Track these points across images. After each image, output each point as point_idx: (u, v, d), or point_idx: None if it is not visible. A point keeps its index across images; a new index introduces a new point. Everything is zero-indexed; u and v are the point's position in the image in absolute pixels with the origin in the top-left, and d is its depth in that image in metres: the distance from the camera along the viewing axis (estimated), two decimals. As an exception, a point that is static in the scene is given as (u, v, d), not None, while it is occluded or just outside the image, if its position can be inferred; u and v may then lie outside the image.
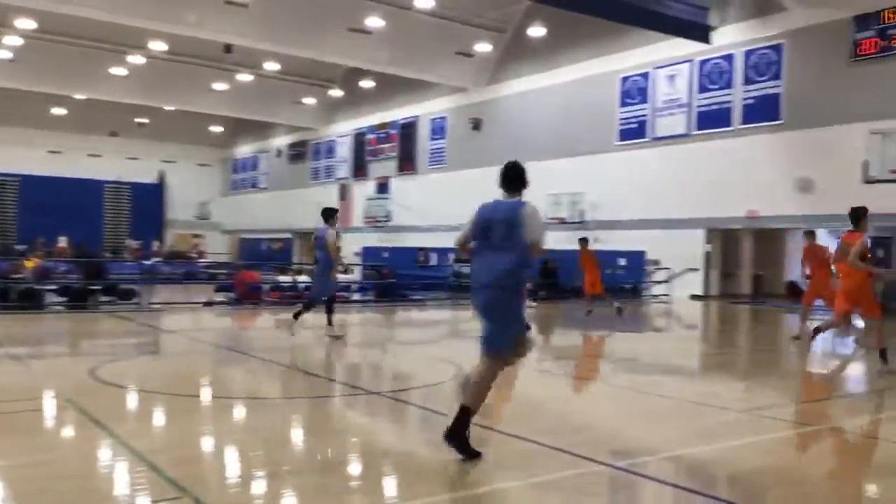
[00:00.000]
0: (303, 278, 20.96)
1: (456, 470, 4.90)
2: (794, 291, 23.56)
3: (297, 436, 6.08)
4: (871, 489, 4.96)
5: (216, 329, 14.06)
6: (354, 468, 5.15)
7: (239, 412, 6.87)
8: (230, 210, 47.83)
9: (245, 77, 35.13)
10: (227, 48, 30.32)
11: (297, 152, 43.39)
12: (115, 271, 21.55)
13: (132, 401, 7.21)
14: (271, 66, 33.83)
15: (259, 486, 4.64)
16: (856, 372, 10.96)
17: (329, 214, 11.55)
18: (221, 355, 10.59)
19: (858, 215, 9.58)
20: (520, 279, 5.26)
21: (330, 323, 11.51)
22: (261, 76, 35.36)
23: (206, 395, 7.72)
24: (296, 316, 11.53)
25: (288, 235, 43.08)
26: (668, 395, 7.84)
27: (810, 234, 13.15)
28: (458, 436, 4.96)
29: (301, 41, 27.10)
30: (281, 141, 44.83)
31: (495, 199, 5.57)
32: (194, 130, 45.40)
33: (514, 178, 5.61)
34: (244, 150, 49.00)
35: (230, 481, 4.76)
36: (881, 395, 8.66)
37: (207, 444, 5.66)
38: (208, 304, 17.67)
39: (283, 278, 20.46)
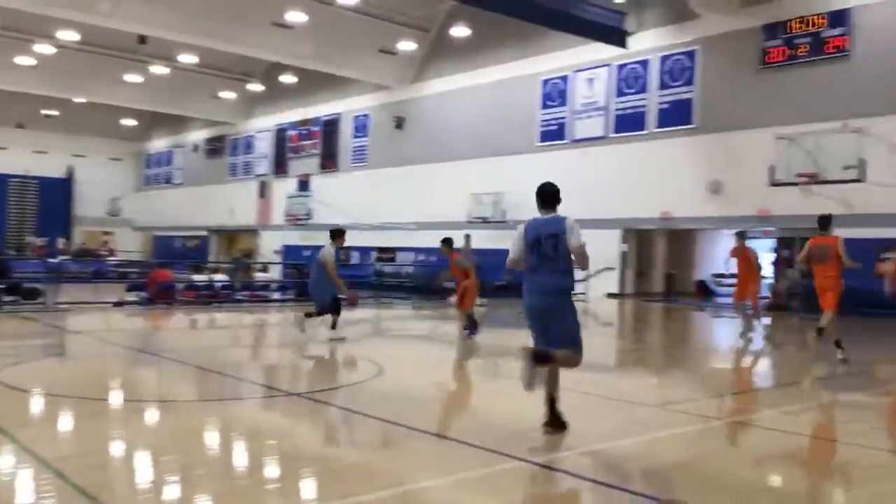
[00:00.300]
0: (219, 277, 20.48)
1: (375, 470, 4.87)
2: (703, 290, 24.49)
3: (211, 439, 5.91)
4: (776, 479, 5.17)
5: (127, 330, 13.56)
6: (272, 471, 5.04)
7: (150, 415, 6.63)
8: (143, 206, 46.29)
9: (160, 69, 34.05)
10: (142, 39, 29.31)
11: (215, 147, 42.35)
12: (19, 269, 20.53)
13: (37, 405, 6.87)
14: (188, 58, 32.85)
15: (172, 492, 4.49)
16: (765, 366, 11.43)
17: (335, 235, 12.18)
18: (132, 357, 10.22)
19: (828, 221, 10.69)
20: (573, 283, 6.05)
21: (333, 326, 11.76)
22: (177, 69, 34.33)
23: (115, 398, 7.42)
24: (308, 315, 11.88)
25: (204, 233, 42.03)
26: (585, 392, 7.98)
27: (741, 235, 13.71)
28: (556, 419, 5.85)
29: (220, 34, 26.44)
30: (197, 135, 43.65)
31: (535, 218, 6.26)
32: (106, 124, 43.72)
33: (550, 196, 6.41)
34: (158, 144, 47.51)
35: (141, 487, 4.58)
36: (788, 388, 9.06)
37: (117, 449, 5.45)
38: (119, 304, 17.05)
39: (198, 277, 19.90)
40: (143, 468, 5.01)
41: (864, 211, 17.81)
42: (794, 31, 20.06)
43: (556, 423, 5.84)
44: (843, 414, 7.45)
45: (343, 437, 6.11)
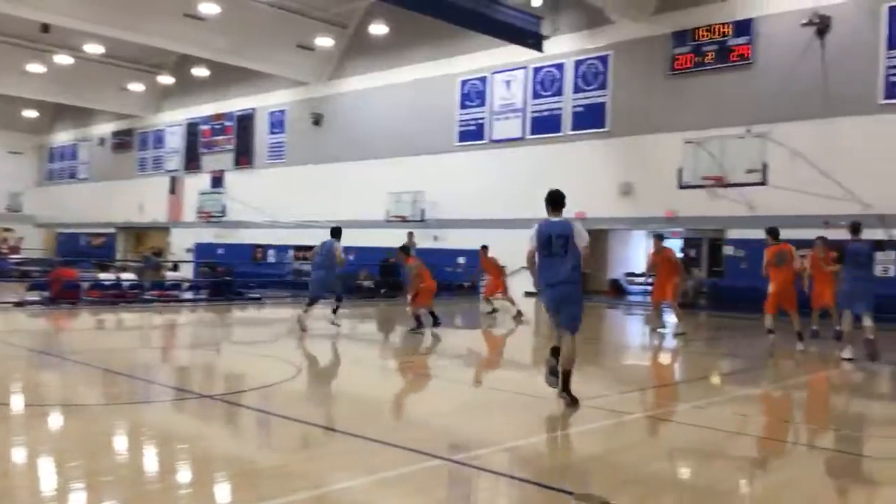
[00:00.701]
0: (127, 276, 19.77)
1: (292, 472, 4.80)
2: (616, 289, 25.15)
3: (119, 444, 5.70)
4: (686, 472, 5.37)
5: (28, 331, 12.91)
6: (183, 476, 4.90)
7: (54, 420, 6.34)
8: (46, 202, 44.20)
9: (64, 59, 32.58)
10: (45, 28, 27.98)
11: (122, 141, 40.84)
12: None
13: (-74, 412, 6.47)
14: (94, 48, 31.56)
15: (78, 499, 4.31)
16: (676, 362, 11.84)
17: (336, 233, 14.25)
18: (34, 359, 9.74)
19: (778, 231, 12.43)
20: (580, 276, 7.19)
21: (335, 311, 13.73)
22: (82, 59, 32.94)
23: (16, 402, 7.07)
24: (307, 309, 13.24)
25: (111, 230, 40.52)
26: (503, 389, 8.08)
27: (660, 238, 14.53)
28: (568, 391, 6.90)
29: (128, 23, 25.48)
30: (104, 129, 41.98)
31: (546, 220, 7.45)
32: (5, 115, 41.55)
33: (558, 201, 7.59)
34: (62, 137, 45.47)
35: (45, 495, 4.38)
36: (697, 383, 9.41)
37: (19, 455, 5.19)
38: (19, 304, 16.24)
39: (104, 276, 19.16)
40: (48, 475, 4.79)
41: (766, 213, 18.67)
42: (701, 39, 20.85)
43: (572, 399, 6.91)
44: (749, 408, 7.78)
45: (258, 439, 5.99)
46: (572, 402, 6.84)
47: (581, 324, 7.16)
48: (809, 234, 18.53)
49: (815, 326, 13.53)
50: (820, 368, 11.02)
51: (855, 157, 17.79)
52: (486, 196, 24.51)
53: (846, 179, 17.46)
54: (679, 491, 4.81)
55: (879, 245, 13.52)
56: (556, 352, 7.12)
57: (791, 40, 18.89)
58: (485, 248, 18.32)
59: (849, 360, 10.57)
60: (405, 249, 14.92)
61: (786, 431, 6.71)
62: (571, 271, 7.09)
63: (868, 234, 15.70)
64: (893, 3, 17.76)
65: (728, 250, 20.20)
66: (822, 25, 18.42)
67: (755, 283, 18.25)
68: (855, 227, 11.54)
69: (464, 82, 26.08)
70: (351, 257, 28.03)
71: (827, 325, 13.36)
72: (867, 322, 10.47)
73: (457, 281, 24.96)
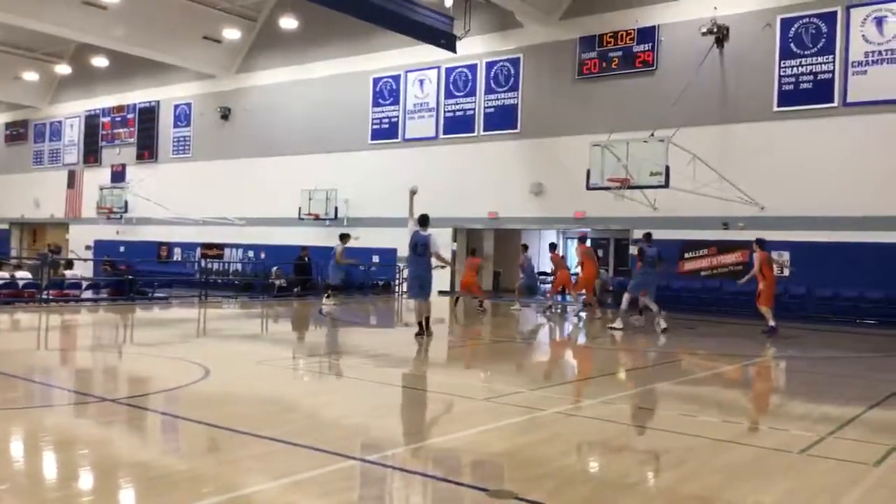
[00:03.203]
0: (22, 274, 18.79)
1: (200, 477, 4.69)
2: (528, 288, 25.53)
3: (16, 450, 5.43)
4: (595, 465, 5.53)
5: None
6: (86, 482, 4.71)
7: (-59, 428, 5.98)
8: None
9: (-49, 44, 30.72)
10: (-71, 10, 26.25)
11: (16, 133, 38.81)
12: None
13: None
14: (-15, 34, 29.90)
15: (-32, 512, 4.08)
16: (586, 358, 12.15)
17: (344, 237, 19.73)
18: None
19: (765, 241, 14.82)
20: (430, 267, 12.43)
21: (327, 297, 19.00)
22: (-29, 45, 31.13)
23: None
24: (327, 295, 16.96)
25: (5, 226, 38.44)
26: (417, 388, 8.11)
27: (583, 239, 16.77)
28: (426, 329, 12.01)
29: (22, 9, 24.24)
30: (-4, 119, 39.80)
31: (416, 231, 12.13)
32: None
33: (425, 221, 12.28)
34: (-51, 127, 42.79)
35: (-70, 509, 4.12)
36: (606, 378, 9.69)
37: None
38: None
39: (-3, 274, 18.16)
40: (-67, 488, 4.51)
41: (668, 214, 19.41)
42: (607, 45, 21.47)
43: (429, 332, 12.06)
44: (654, 402, 8.08)
45: (164, 443, 5.82)
46: (429, 334, 11.93)
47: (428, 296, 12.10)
48: (710, 235, 19.47)
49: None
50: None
51: (751, 161, 18.71)
52: (400, 195, 24.42)
53: (743, 183, 18.34)
54: (590, 484, 4.95)
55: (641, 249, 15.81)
56: (421, 325, 11.95)
57: (692, 48, 19.68)
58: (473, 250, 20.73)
59: (617, 329, 14.33)
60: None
61: (692, 425, 7.00)
62: (427, 265, 12.25)
63: (764, 234, 16.62)
64: (787, 16, 18.77)
65: (633, 250, 20.88)
66: (720, 35, 19.27)
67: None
68: (647, 236, 15.32)
69: (377, 80, 25.99)
70: (262, 255, 27.56)
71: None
72: (653, 305, 14.72)
73: (372, 279, 24.91)
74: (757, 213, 18.61)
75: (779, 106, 18.81)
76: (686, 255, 19.95)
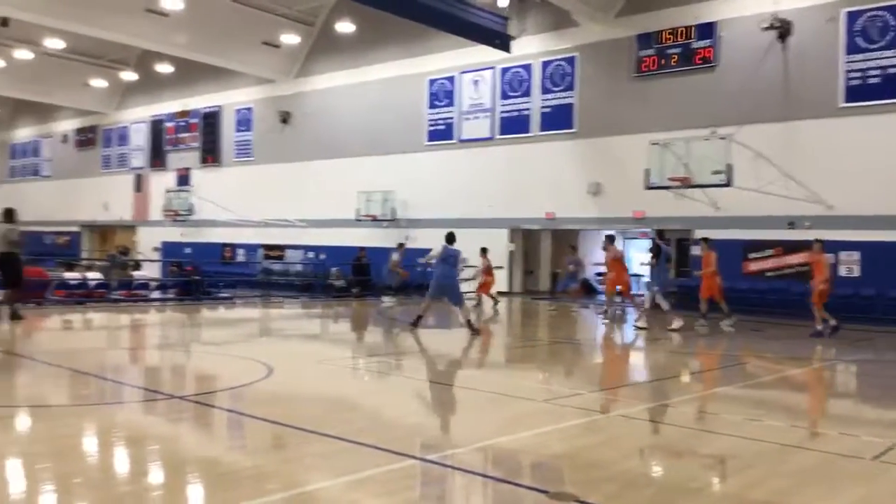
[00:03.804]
0: (93, 275, 19.45)
1: (266, 473, 4.79)
2: (586, 288, 25.35)
3: (89, 445, 5.63)
4: (658, 469, 5.45)
5: (-10, 332, 12.64)
6: (155, 477, 4.86)
7: (22, 422, 6.25)
8: (7, 199, 43.19)
9: (24, 54, 31.97)
10: (4, 21, 27.40)
11: (86, 138, 40.19)
12: None
13: None
14: (55, 43, 31.00)
15: (47, 501, 4.26)
16: (648, 360, 11.99)
17: (400, 245, 21.62)
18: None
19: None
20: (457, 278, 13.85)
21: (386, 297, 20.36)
22: (43, 54, 32.34)
23: (-21, 405, 6.94)
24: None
25: (75, 228, 39.84)
26: (476, 388, 8.13)
27: (611, 239, 15.96)
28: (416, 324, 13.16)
29: (89, 18, 25.07)
30: (67, 125, 41.30)
31: (444, 246, 13.28)
32: (-36, 110, 40.73)
33: (452, 238, 13.44)
34: (24, 133, 44.62)
35: (14, 498, 4.31)
36: (663, 383, 9.55)
37: (-16, 459, 5.10)
38: (-20, 304, 15.86)
39: (69, 275, 18.83)
40: (16, 478, 4.71)
41: (730, 214, 19.00)
42: (665, 42, 21.12)
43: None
44: (718, 406, 7.92)
45: (231, 440, 5.96)
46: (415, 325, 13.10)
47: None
48: (775, 234, 18.98)
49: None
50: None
51: (817, 159, 18.16)
52: (456, 196, 24.57)
53: (809, 181, 17.83)
54: (651, 488, 4.88)
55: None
56: (419, 317, 13.23)
57: (753, 44, 19.22)
58: (484, 250, 20.39)
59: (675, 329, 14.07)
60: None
61: (759, 429, 6.85)
62: (454, 275, 13.60)
63: (832, 234, 16.12)
64: (852, 9, 18.17)
65: (695, 250, 20.49)
66: (783, 29, 18.77)
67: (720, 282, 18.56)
68: (661, 234, 15.18)
69: (432, 81, 26.10)
70: (322, 256, 27.97)
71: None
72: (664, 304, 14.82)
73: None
74: (824, 212, 18.06)
75: (845, 101, 18.22)
76: (750, 256, 19.48)
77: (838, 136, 18.09)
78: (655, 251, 15.38)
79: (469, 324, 13.04)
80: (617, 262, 16.02)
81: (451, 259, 13.32)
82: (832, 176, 17.96)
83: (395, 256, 20.40)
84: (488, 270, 20.26)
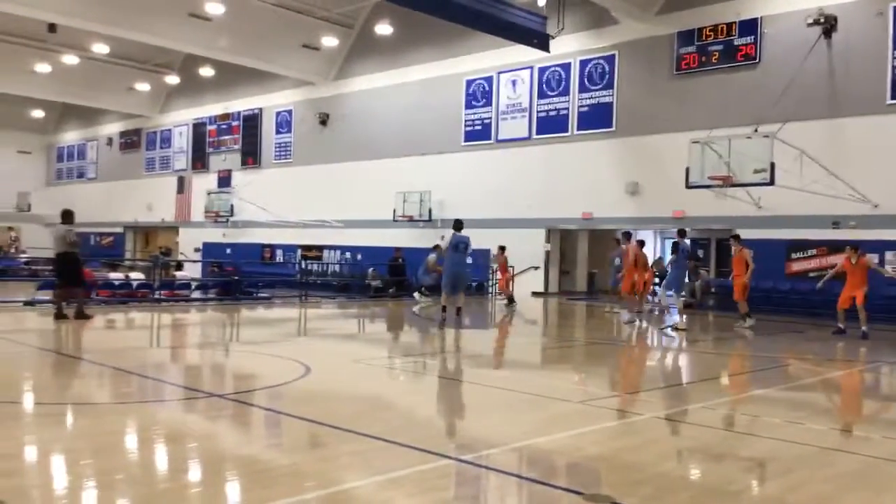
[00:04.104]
0: (136, 275, 19.86)
1: (302, 472, 4.83)
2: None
3: (130, 442, 5.75)
4: (695, 472, 5.38)
5: (38, 330, 12.99)
6: (194, 474, 4.94)
7: (65, 419, 6.40)
8: (54, 202, 44.35)
9: (71, 59, 32.76)
10: (51, 27, 28.14)
11: (130, 141, 41.03)
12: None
13: (-61, 411, 6.52)
14: (100, 48, 31.73)
15: (90, 498, 4.36)
16: (684, 362, 11.84)
17: (435, 247, 19.13)
18: (44, 358, 9.82)
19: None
20: (467, 266, 14.00)
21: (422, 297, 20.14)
22: (89, 59, 33.12)
23: (27, 400, 7.13)
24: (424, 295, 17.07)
25: (119, 230, 40.68)
26: (510, 389, 8.10)
27: (628, 235, 16.84)
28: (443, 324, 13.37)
29: (133, 23, 25.60)
30: (112, 128, 42.21)
31: (454, 233, 13.47)
32: (13, 115, 41.81)
33: (460, 225, 13.65)
34: (70, 137, 45.71)
35: (57, 493, 4.42)
36: (701, 385, 9.41)
37: (30, 454, 5.24)
38: (29, 303, 16.33)
39: (114, 275, 19.24)
40: (60, 474, 4.83)
41: (773, 213, 18.67)
42: (706, 39, 20.82)
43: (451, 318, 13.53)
44: (758, 408, 7.78)
45: (268, 438, 6.03)
46: (442, 323, 13.37)
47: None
48: (819, 234, 18.58)
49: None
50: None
51: (862, 157, 17.74)
52: (493, 196, 24.54)
53: (854, 180, 17.42)
54: (689, 491, 4.82)
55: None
56: (444, 309, 13.38)
57: (797, 40, 18.85)
58: (502, 248, 20.82)
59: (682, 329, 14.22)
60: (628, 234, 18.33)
61: (800, 432, 6.72)
62: (465, 262, 13.51)
63: (877, 234, 15.72)
64: (901, 3, 17.70)
65: (734, 251, 20.15)
66: (828, 25, 18.38)
67: (761, 283, 18.27)
68: (682, 232, 15.43)
69: (469, 82, 26.10)
70: (359, 256, 28.15)
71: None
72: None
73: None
74: (870, 211, 17.63)
75: (892, 98, 17.76)
76: (793, 256, 19.11)
77: (885, 134, 17.64)
78: (674, 249, 15.36)
79: (458, 311, 13.72)
80: (632, 260, 16.22)
81: (461, 246, 13.44)
82: (878, 174, 17.54)
83: (432, 257, 20.35)
84: (503, 267, 20.87)
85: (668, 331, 14.51)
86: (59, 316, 13.24)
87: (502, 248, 20.92)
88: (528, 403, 7.38)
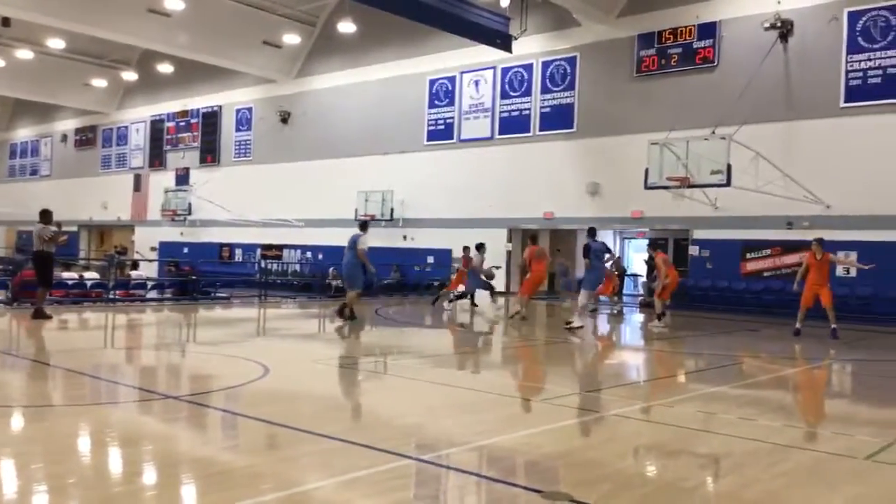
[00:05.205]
0: (90, 274, 19.44)
1: (260, 473, 4.78)
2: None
3: (83, 445, 5.62)
4: (651, 469, 5.45)
5: (-12, 331, 12.63)
6: (150, 477, 4.85)
7: (16, 421, 6.24)
8: (7, 199, 43.35)
9: (25, 54, 31.99)
10: (5, 21, 27.44)
11: (85, 138, 40.23)
12: None
13: None
14: (56, 43, 31.03)
15: (40, 501, 4.25)
16: (642, 360, 11.99)
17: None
18: (-6, 360, 9.55)
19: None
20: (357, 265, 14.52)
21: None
22: (43, 54, 32.37)
23: (-25, 404, 6.93)
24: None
25: (73, 228, 39.83)
26: (471, 388, 8.12)
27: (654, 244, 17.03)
28: (347, 314, 14.34)
29: (90, 18, 25.11)
30: (67, 125, 41.32)
31: (354, 233, 14.49)
32: (-38, 110, 40.73)
33: (365, 227, 14.88)
34: (23, 133, 44.65)
35: (7, 499, 4.30)
36: (661, 382, 9.54)
37: (-23, 459, 5.09)
38: (-22, 303, 15.89)
39: (67, 275, 18.82)
40: (9, 478, 4.71)
41: (729, 214, 19.00)
42: (666, 42, 21.13)
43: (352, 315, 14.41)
44: (716, 405, 7.91)
45: (226, 440, 5.95)
46: (352, 318, 14.22)
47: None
48: (773, 234, 18.98)
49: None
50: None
51: (816, 159, 18.17)
52: (455, 196, 24.58)
53: (808, 181, 17.82)
54: (645, 488, 4.88)
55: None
56: (344, 306, 14.30)
57: (754, 44, 19.23)
58: (467, 248, 19.81)
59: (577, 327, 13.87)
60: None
61: (751, 428, 6.84)
62: (354, 260, 14.34)
63: (830, 234, 16.11)
64: (854, 9, 18.17)
65: (693, 250, 20.49)
66: (784, 29, 18.78)
67: (717, 282, 18.58)
68: (592, 231, 15.12)
69: (432, 82, 26.11)
70: (320, 256, 27.96)
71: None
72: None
73: (426, 280, 24.99)
74: (823, 212, 18.06)
75: (846, 102, 18.22)
76: (748, 256, 19.49)
77: (838, 137, 18.10)
78: (585, 252, 15.04)
79: (348, 310, 14.49)
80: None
81: (350, 244, 14.48)
82: (831, 176, 17.98)
83: (475, 259, 18.94)
84: (465, 269, 20.17)
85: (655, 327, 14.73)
86: (39, 315, 13.18)
87: (466, 249, 20.00)
88: (488, 402, 7.39)
